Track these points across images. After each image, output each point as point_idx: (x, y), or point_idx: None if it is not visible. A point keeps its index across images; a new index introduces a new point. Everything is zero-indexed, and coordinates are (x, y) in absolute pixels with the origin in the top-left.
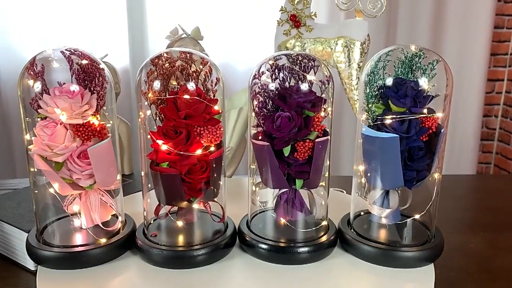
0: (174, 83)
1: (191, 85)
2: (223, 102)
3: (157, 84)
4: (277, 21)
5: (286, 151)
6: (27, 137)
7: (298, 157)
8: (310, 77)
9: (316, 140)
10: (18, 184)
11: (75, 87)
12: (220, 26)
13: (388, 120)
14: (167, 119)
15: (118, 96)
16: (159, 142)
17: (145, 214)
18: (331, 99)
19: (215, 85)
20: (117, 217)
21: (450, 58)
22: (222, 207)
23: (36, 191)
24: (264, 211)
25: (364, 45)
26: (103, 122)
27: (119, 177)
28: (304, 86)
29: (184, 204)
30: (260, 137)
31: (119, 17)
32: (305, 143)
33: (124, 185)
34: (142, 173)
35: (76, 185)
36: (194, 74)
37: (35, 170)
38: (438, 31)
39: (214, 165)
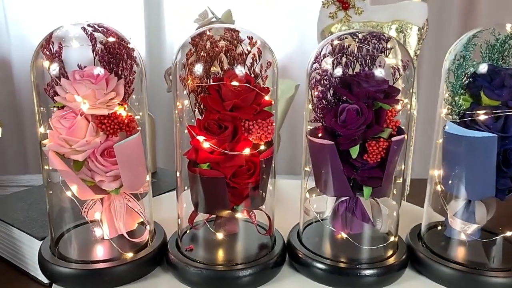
0: (215, 69)
1: (239, 70)
2: (276, 91)
3: (198, 68)
4: (322, 2)
5: (354, 152)
6: (41, 130)
7: (369, 159)
8: (389, 60)
9: (393, 139)
10: (30, 181)
11: (99, 70)
12: (252, 9)
13: (481, 116)
14: (209, 111)
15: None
16: (200, 138)
17: (179, 223)
18: (411, 89)
19: (266, 69)
20: (145, 226)
21: None
22: (269, 217)
23: (51, 192)
24: (315, 222)
25: (422, 31)
26: (131, 114)
27: (148, 178)
28: (378, 72)
29: (227, 213)
30: (320, 134)
31: (136, 3)
32: (378, 143)
33: None
34: (178, 173)
35: (98, 188)
36: (241, 57)
37: (50, 168)
38: None
39: (263, 167)
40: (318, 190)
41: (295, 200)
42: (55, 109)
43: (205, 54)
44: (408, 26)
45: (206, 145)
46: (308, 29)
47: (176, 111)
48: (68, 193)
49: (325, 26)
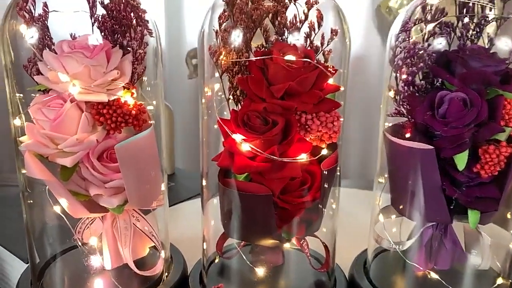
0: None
1: (295, 39)
2: (346, 73)
3: (235, 37)
4: None
5: (461, 161)
6: (16, 122)
7: (482, 172)
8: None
9: None
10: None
11: (96, 40)
12: None
13: None
14: (250, 99)
15: None
16: (237, 137)
17: (205, 247)
18: None
19: (329, 41)
20: (159, 252)
21: None
22: (326, 247)
23: (31, 202)
24: (383, 251)
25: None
26: (141, 103)
27: (163, 186)
28: (502, 45)
29: (272, 242)
30: (408, 135)
31: None
32: (498, 149)
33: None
34: (204, 181)
35: (94, 204)
36: (294, 23)
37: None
38: None
39: (325, 180)
40: (396, 211)
41: (359, 218)
42: (37, 94)
43: (245, 17)
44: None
45: (245, 147)
46: None
47: (204, 100)
48: (56, 208)
49: (381, 1)
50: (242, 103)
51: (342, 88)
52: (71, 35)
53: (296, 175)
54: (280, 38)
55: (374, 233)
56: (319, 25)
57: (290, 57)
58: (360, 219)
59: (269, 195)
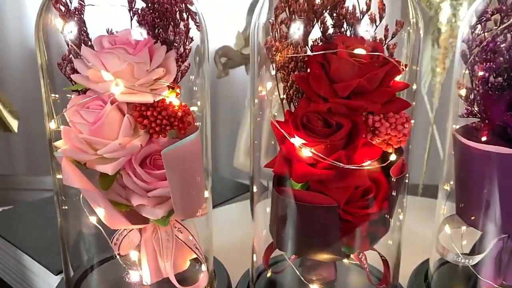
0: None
1: (364, 30)
2: (418, 70)
3: (296, 30)
4: None
5: None
6: (52, 125)
7: None
8: None
9: None
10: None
11: (139, 35)
12: None
13: None
14: (307, 98)
15: None
16: (296, 141)
17: (254, 259)
18: None
19: (395, 34)
20: (200, 264)
21: None
22: (385, 261)
23: (65, 208)
24: (445, 263)
25: None
26: (185, 103)
27: (207, 193)
28: None
29: (329, 257)
30: (484, 138)
31: None
32: None
33: None
34: (254, 188)
35: (136, 215)
36: (354, 14)
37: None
38: None
39: (393, 188)
40: (464, 221)
41: (412, 226)
42: (72, 95)
43: (305, 7)
44: None
45: (306, 153)
46: None
47: (256, 100)
48: (92, 218)
49: None
50: (297, 103)
51: (415, 87)
52: (107, 31)
53: (363, 184)
54: (338, 31)
55: (437, 244)
56: (381, 17)
57: (360, 51)
58: (412, 227)
59: (334, 206)
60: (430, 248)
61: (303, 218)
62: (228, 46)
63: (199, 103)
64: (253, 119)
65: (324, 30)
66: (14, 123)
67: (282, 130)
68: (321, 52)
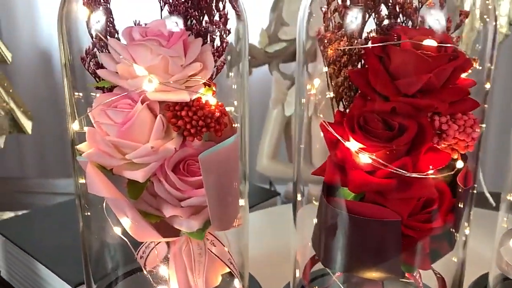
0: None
1: (435, 19)
2: (490, 67)
3: (353, 18)
4: None
5: None
6: (75, 126)
7: None
8: None
9: None
10: (68, 187)
11: (174, 25)
12: None
13: None
14: (362, 97)
15: None
16: (353, 146)
17: (297, 274)
18: None
19: (458, 25)
20: (235, 277)
21: None
22: (441, 278)
23: (88, 215)
24: (505, 279)
25: None
26: (221, 102)
27: (243, 201)
28: None
29: (385, 276)
30: None
31: None
32: None
33: None
34: (298, 196)
35: (167, 226)
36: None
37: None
38: None
39: (460, 200)
40: None
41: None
42: (96, 94)
43: None
44: None
45: (364, 159)
46: None
47: (303, 99)
48: (116, 229)
49: None
50: (351, 102)
51: (488, 85)
52: (135, 23)
53: (429, 194)
54: (395, 21)
55: (499, 259)
56: (442, 5)
57: (429, 42)
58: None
59: (398, 221)
60: (489, 262)
61: (357, 232)
62: (251, 44)
63: (235, 102)
64: (298, 121)
65: (380, 21)
66: (28, 124)
67: (335, 133)
68: (383, 43)
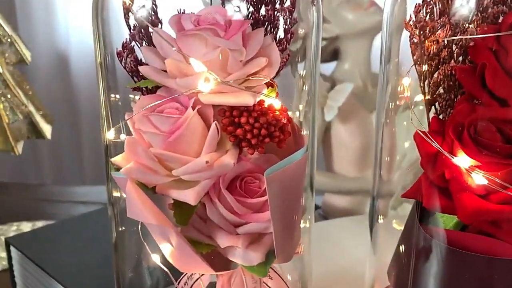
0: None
1: None
2: None
3: (463, 2)
4: None
5: None
6: (110, 135)
7: None
8: None
9: None
10: (88, 194)
11: (231, 12)
12: None
13: None
14: (468, 100)
15: None
16: (464, 162)
17: None
18: None
19: None
20: None
21: None
22: None
23: (121, 245)
24: None
25: None
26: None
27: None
28: None
29: None
30: None
31: None
32: None
33: None
34: (380, 219)
35: (219, 257)
36: None
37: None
38: None
39: None
40: None
41: None
42: (136, 96)
43: None
44: None
45: (479, 180)
46: None
47: (391, 103)
48: (155, 257)
49: None
50: (453, 108)
51: None
52: (179, 11)
53: None
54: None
55: None
56: None
57: None
58: None
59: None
60: None
61: (459, 270)
62: None
63: (300, 106)
64: (380, 129)
65: (484, 9)
66: (47, 129)
67: (438, 146)
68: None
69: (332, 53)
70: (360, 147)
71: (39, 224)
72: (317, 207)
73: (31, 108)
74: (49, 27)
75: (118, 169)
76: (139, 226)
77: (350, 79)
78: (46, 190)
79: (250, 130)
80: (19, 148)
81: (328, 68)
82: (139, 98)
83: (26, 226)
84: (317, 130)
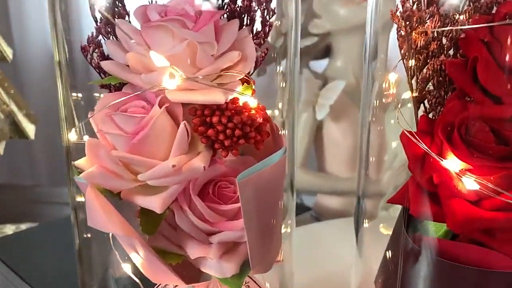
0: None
1: None
2: None
3: None
4: None
5: None
6: (72, 136)
7: None
8: None
9: None
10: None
11: (204, 3)
12: None
13: None
14: (459, 97)
15: None
16: (453, 165)
17: None
18: None
19: None
20: None
21: None
22: None
23: (88, 240)
24: None
25: None
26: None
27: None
28: None
29: None
30: None
31: None
32: None
33: None
34: (365, 224)
35: (190, 268)
36: None
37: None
38: None
39: None
40: None
41: None
42: (101, 94)
43: None
44: None
45: (470, 185)
46: None
47: (376, 100)
48: (125, 267)
49: None
50: (443, 107)
51: None
52: (149, 1)
53: None
54: None
55: None
56: None
57: None
58: None
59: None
60: None
61: (450, 283)
62: None
63: (280, 105)
64: (365, 127)
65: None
66: (30, 129)
67: (426, 148)
68: (497, 23)
69: (324, 50)
70: (352, 145)
71: (23, 226)
72: (309, 209)
73: (13, 107)
74: (42, 25)
75: (82, 172)
76: (110, 233)
77: (342, 76)
78: (41, 192)
79: (222, 130)
80: (1, 149)
81: (320, 65)
82: (103, 96)
83: (10, 229)
84: (309, 129)
